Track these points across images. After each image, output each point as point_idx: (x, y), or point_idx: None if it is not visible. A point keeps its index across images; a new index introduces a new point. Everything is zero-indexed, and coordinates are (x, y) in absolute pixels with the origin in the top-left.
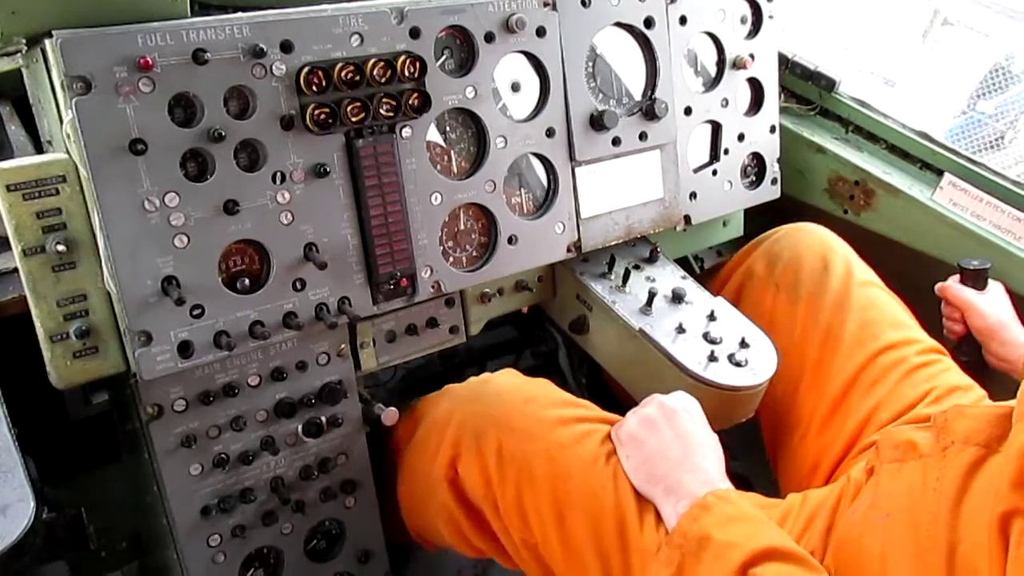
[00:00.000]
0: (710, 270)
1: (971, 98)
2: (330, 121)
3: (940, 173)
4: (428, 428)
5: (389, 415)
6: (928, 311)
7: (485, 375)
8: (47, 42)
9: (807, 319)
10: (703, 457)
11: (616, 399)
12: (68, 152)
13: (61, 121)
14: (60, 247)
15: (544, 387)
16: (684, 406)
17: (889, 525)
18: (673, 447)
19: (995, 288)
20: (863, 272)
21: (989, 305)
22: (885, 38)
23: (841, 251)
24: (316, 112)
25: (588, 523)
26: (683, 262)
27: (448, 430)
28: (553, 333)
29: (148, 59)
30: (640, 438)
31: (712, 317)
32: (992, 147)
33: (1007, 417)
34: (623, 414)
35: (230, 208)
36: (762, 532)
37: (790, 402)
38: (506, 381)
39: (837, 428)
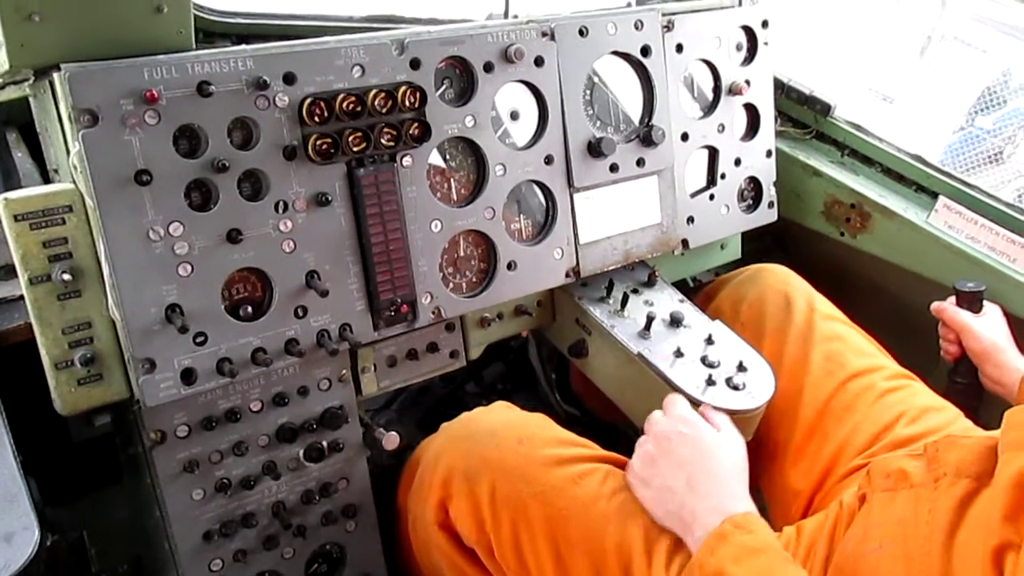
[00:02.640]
0: (697, 287)
1: (969, 114)
2: (332, 151)
3: (935, 196)
4: (422, 471)
5: (390, 439)
6: (925, 332)
7: (479, 409)
8: (55, 75)
9: (773, 354)
10: (710, 480)
11: (580, 396)
12: (74, 182)
13: (68, 151)
14: (66, 276)
15: (540, 424)
16: (677, 428)
17: (882, 557)
18: (676, 478)
19: (991, 311)
20: (825, 307)
21: (985, 328)
22: (883, 55)
23: (803, 289)
24: (318, 142)
25: (590, 565)
26: (681, 284)
27: (438, 472)
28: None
29: (154, 92)
30: (645, 477)
31: (710, 341)
32: (991, 162)
33: (996, 449)
34: (587, 412)
35: (233, 237)
36: (776, 570)
37: (766, 431)
38: (500, 417)
39: (814, 456)
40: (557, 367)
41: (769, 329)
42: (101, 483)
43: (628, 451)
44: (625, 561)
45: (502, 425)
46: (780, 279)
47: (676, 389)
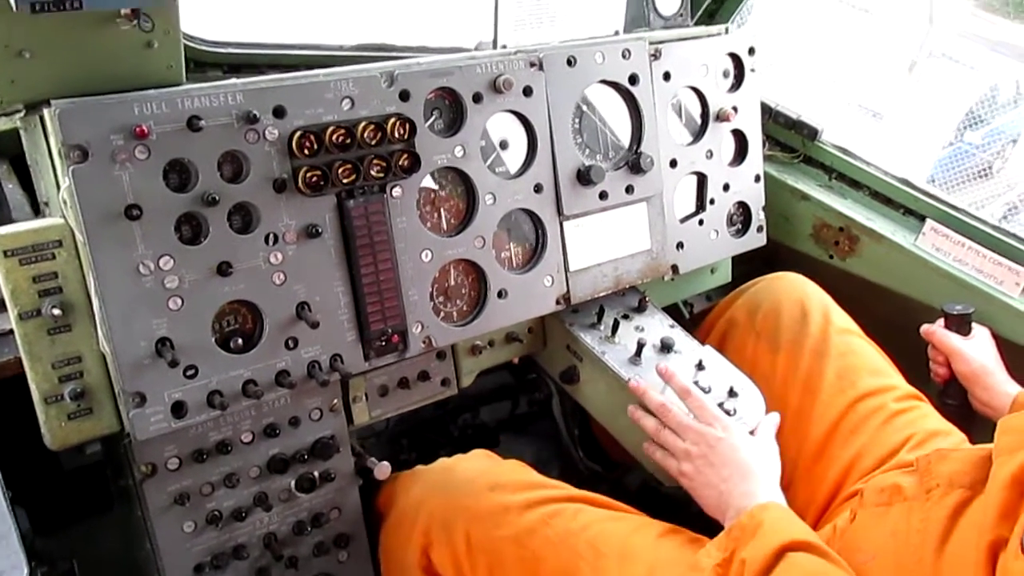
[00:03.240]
0: (698, 315)
1: (958, 129)
2: (322, 183)
3: (922, 219)
4: (400, 513)
5: (382, 469)
6: (914, 354)
7: (455, 457)
8: (45, 111)
9: (787, 367)
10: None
11: (603, 449)
12: (64, 216)
13: (58, 186)
14: (56, 311)
15: (513, 470)
16: (718, 435)
17: (873, 567)
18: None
19: (980, 333)
20: (841, 319)
21: (974, 351)
22: (872, 72)
23: (819, 299)
24: (308, 175)
25: None
26: (673, 308)
27: (419, 520)
28: (547, 381)
29: (144, 127)
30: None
31: (700, 366)
32: (981, 177)
33: (989, 459)
34: (613, 466)
35: (224, 270)
36: (809, 533)
37: None
38: (475, 466)
39: (820, 476)
40: (580, 422)
41: (784, 341)
42: (92, 512)
43: (655, 506)
44: None
45: (477, 473)
46: (796, 288)
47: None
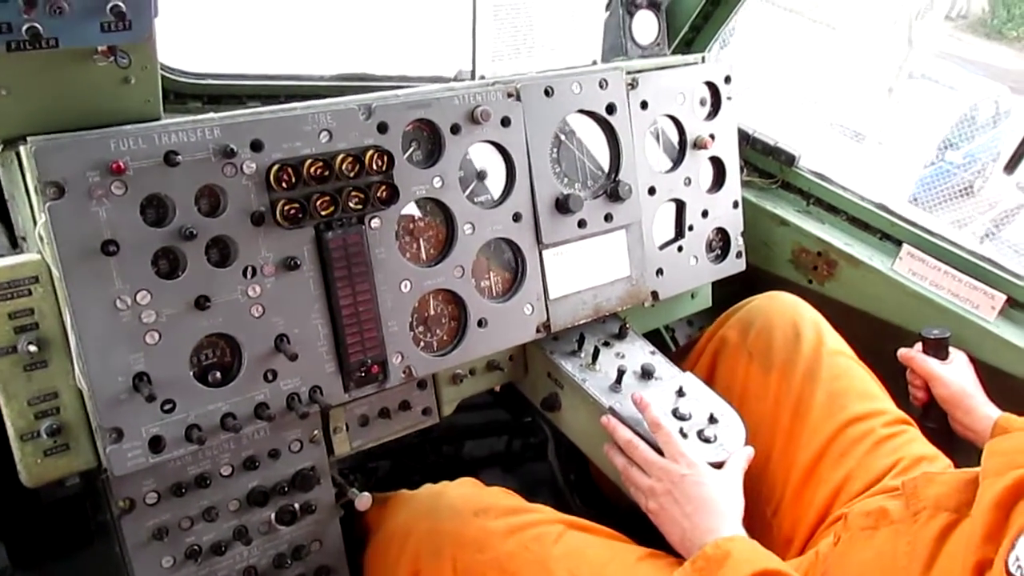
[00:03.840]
0: (686, 346)
1: (939, 149)
2: (300, 215)
3: (899, 243)
4: (388, 536)
5: (363, 500)
6: (893, 377)
7: (442, 484)
8: (22, 148)
9: (779, 389)
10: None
11: (603, 495)
12: (40, 252)
13: (35, 221)
14: (32, 347)
15: (498, 496)
16: (682, 473)
17: None
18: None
19: (958, 357)
20: (833, 340)
21: (952, 375)
22: (853, 94)
23: (812, 319)
24: (286, 207)
25: None
26: (654, 334)
27: (408, 545)
28: (542, 425)
29: (121, 163)
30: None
31: (681, 393)
32: (962, 195)
33: (974, 482)
34: (613, 512)
35: (201, 304)
36: (777, 562)
37: (763, 474)
38: (460, 492)
39: (808, 500)
40: (577, 468)
41: (777, 361)
42: (71, 546)
43: (642, 527)
44: None
45: (462, 500)
46: (789, 308)
47: (649, 442)
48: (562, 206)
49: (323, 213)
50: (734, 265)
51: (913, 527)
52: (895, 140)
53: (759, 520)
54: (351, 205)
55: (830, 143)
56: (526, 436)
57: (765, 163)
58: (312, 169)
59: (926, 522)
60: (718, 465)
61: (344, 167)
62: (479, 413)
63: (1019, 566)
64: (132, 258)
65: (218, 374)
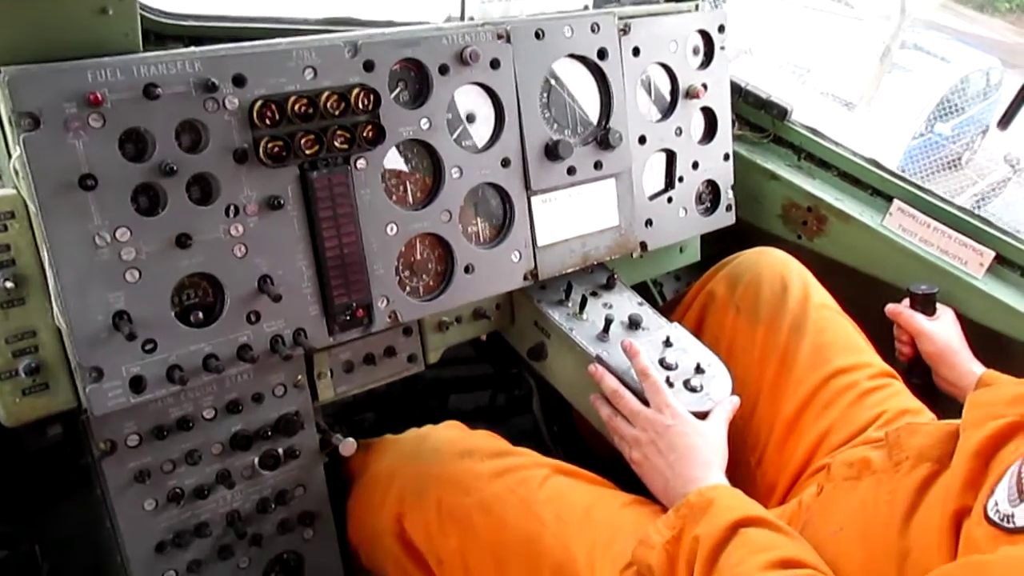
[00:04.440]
0: (674, 299)
1: (929, 120)
2: (284, 154)
3: (890, 199)
4: (372, 480)
5: (347, 446)
6: (880, 333)
7: (427, 428)
8: None
9: (766, 341)
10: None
11: (588, 448)
12: (16, 187)
13: (9, 154)
14: (8, 284)
15: (483, 439)
16: (666, 423)
17: (840, 538)
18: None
19: (945, 313)
20: (820, 295)
21: (938, 331)
22: (844, 62)
23: (799, 274)
24: (269, 145)
25: (527, 569)
26: (642, 288)
27: (392, 487)
28: (527, 377)
29: (98, 95)
30: (638, 460)
31: (668, 343)
32: (950, 168)
33: (957, 434)
34: (596, 463)
35: (182, 242)
36: (760, 509)
37: (748, 424)
38: (445, 435)
39: (792, 450)
40: (561, 420)
41: (764, 315)
42: (54, 495)
43: (627, 476)
44: (559, 563)
45: (447, 443)
46: (778, 262)
47: (634, 392)
48: (551, 152)
49: (307, 152)
50: (724, 218)
51: (895, 477)
52: (885, 110)
53: (743, 470)
54: (336, 145)
55: (821, 111)
56: (511, 389)
57: (757, 117)
58: (296, 106)
59: (908, 472)
60: (703, 415)
61: (329, 105)
62: (465, 367)
63: (997, 511)
64: (111, 193)
65: (200, 314)
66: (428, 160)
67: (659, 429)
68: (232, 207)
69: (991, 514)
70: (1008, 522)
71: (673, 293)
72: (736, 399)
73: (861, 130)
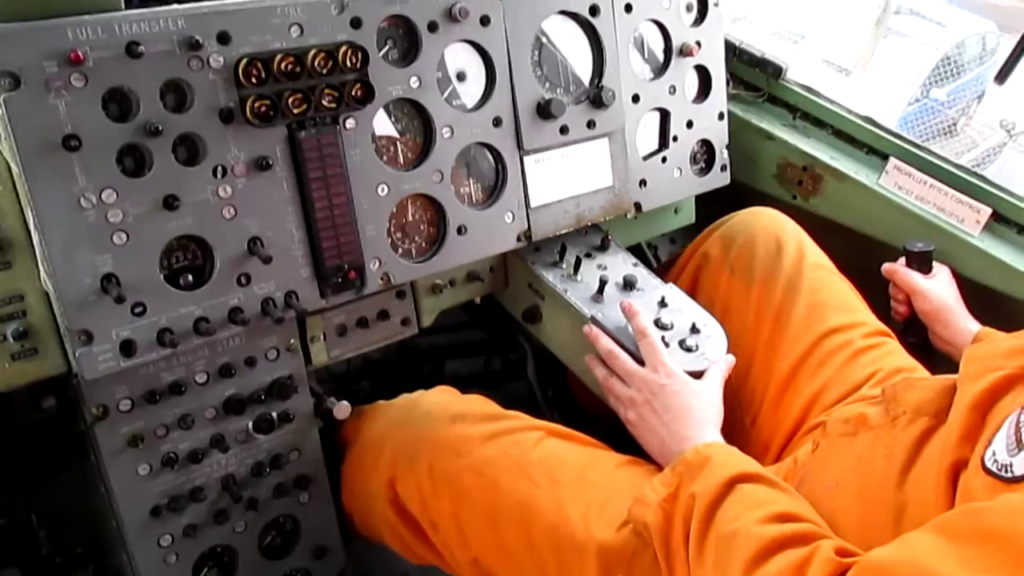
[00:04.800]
0: (669, 261)
1: (924, 85)
2: (271, 113)
3: (886, 157)
4: (364, 446)
5: (341, 409)
6: (876, 293)
7: (418, 393)
8: None
9: (760, 301)
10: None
11: (583, 411)
12: None
13: None
14: None
15: (475, 403)
16: (661, 383)
17: (836, 493)
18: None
19: (941, 272)
20: (815, 255)
21: (934, 289)
22: (839, 28)
23: (794, 233)
24: (256, 104)
25: (521, 530)
26: (637, 250)
27: (384, 452)
28: (522, 342)
29: (79, 53)
30: (633, 420)
31: (663, 303)
32: (945, 134)
33: (954, 389)
34: (591, 427)
35: (170, 203)
36: (757, 466)
37: (743, 384)
38: (436, 399)
39: (786, 409)
40: (555, 384)
41: (758, 275)
42: (50, 465)
43: (621, 438)
44: (553, 524)
45: (440, 406)
46: (773, 222)
47: (629, 352)
48: (544, 111)
49: (295, 111)
50: (719, 178)
51: (892, 432)
52: (881, 75)
53: (738, 429)
54: (324, 104)
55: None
56: (505, 354)
57: (752, 75)
58: (283, 65)
59: (905, 427)
60: (699, 374)
61: (316, 63)
62: (460, 334)
63: (995, 461)
64: (95, 154)
65: (190, 277)
66: (418, 120)
67: (654, 389)
68: (220, 168)
69: (989, 464)
70: (1006, 472)
71: (668, 256)
72: (731, 358)
73: (857, 96)
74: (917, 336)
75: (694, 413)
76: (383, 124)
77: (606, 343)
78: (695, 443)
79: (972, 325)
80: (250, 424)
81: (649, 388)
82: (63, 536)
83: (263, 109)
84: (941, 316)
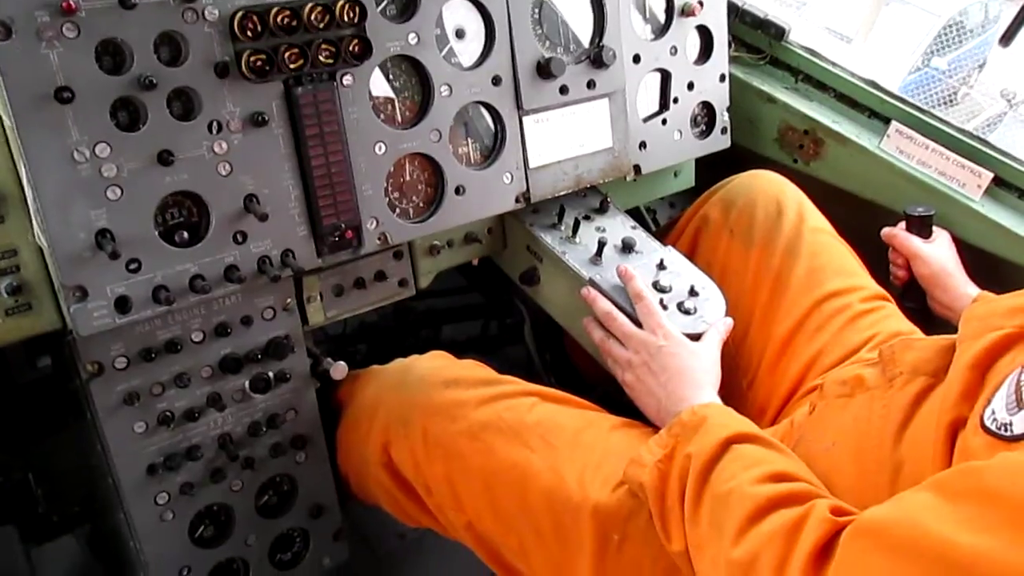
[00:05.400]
0: (668, 224)
1: (925, 54)
2: (267, 68)
3: (887, 121)
4: (358, 410)
5: (338, 369)
6: (876, 257)
7: (412, 357)
8: None
9: (760, 264)
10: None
11: (580, 376)
12: None
13: None
14: None
15: (469, 368)
16: (659, 344)
17: (833, 452)
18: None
19: (940, 236)
20: (815, 218)
21: (934, 253)
22: None
23: (795, 197)
24: (252, 58)
25: (516, 493)
26: (636, 214)
27: (377, 417)
28: (519, 306)
29: (71, 3)
30: (631, 382)
31: (662, 266)
32: (946, 103)
33: (952, 348)
34: (588, 392)
35: (165, 159)
36: (753, 427)
37: (740, 347)
38: (430, 364)
39: (783, 372)
40: (553, 348)
41: (758, 238)
42: (47, 427)
43: (617, 402)
44: (548, 486)
45: (433, 370)
46: (773, 185)
47: (627, 314)
48: (543, 70)
49: (292, 67)
50: (719, 141)
51: (889, 392)
52: (882, 43)
53: (735, 391)
54: (321, 59)
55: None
56: (503, 318)
57: (754, 37)
58: (279, 18)
59: (902, 387)
60: (697, 336)
61: (313, 17)
62: (457, 298)
63: (995, 419)
64: (89, 107)
65: (185, 234)
66: (416, 78)
67: (652, 350)
68: (215, 123)
69: (988, 423)
70: (1006, 430)
71: (667, 220)
72: (730, 320)
73: (858, 64)
74: (916, 300)
75: (691, 374)
76: (380, 85)
77: (604, 305)
78: (692, 404)
79: (971, 290)
80: (247, 383)
81: (647, 349)
82: (60, 495)
83: (259, 63)
84: (940, 281)
